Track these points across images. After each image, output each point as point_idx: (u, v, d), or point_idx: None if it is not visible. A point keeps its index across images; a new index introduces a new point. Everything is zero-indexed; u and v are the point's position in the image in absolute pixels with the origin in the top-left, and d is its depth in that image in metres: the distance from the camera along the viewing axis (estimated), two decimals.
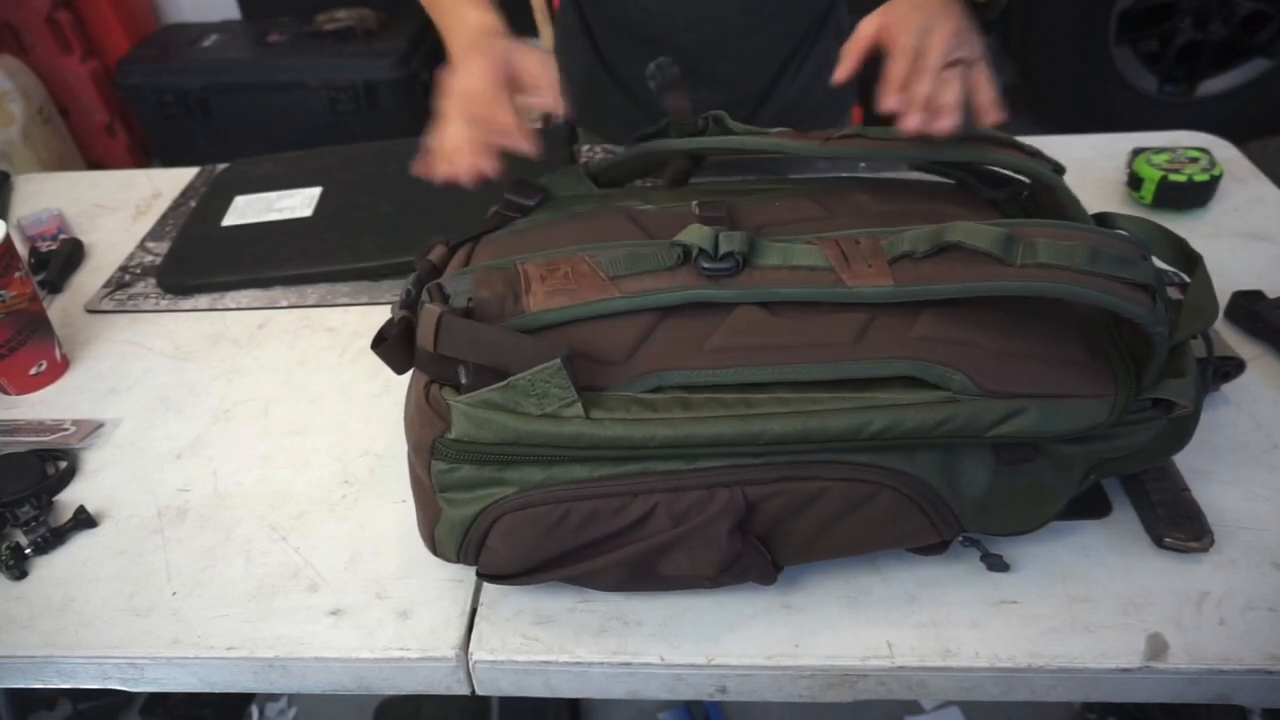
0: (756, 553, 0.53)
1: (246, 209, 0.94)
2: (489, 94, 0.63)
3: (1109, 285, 0.48)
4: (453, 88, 0.65)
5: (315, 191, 0.95)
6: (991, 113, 0.62)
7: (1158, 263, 0.55)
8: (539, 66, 0.64)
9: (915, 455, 0.51)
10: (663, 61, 0.71)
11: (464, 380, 0.50)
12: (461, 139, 0.63)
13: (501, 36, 0.67)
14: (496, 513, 0.52)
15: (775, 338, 0.52)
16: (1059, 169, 0.63)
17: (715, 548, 0.52)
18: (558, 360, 0.48)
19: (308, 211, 0.92)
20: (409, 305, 0.57)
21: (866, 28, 0.64)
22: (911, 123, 0.60)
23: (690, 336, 0.52)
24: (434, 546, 0.56)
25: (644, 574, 0.54)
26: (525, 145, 0.61)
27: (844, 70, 0.65)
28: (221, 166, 1.10)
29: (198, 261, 0.89)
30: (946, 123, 0.60)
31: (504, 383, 0.49)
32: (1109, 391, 0.50)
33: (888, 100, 0.61)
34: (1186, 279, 0.59)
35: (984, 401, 0.49)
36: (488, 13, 0.70)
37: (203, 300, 0.88)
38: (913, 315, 0.52)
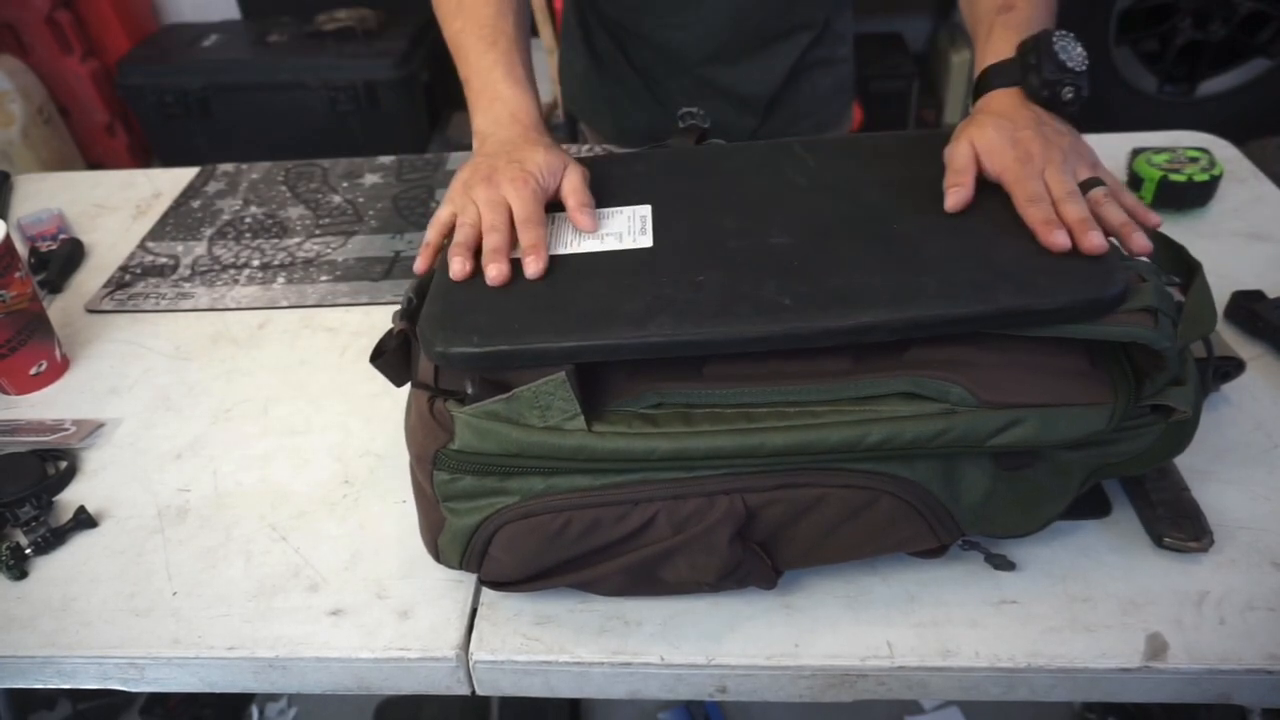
0: (757, 559, 0.53)
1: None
2: (534, 215, 0.59)
3: (1110, 316, 0.49)
4: (491, 198, 0.60)
5: (643, 210, 0.61)
6: (1149, 217, 0.56)
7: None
8: (583, 185, 0.62)
9: (914, 462, 0.51)
10: (690, 111, 0.70)
11: (470, 391, 0.50)
12: (498, 241, 0.57)
13: (538, 136, 0.65)
14: (499, 522, 0.52)
15: (774, 365, 0.52)
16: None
17: (716, 555, 0.52)
18: (561, 373, 0.48)
19: (645, 240, 0.58)
20: (409, 316, 0.57)
21: (963, 149, 0.59)
22: (1091, 242, 0.52)
23: (690, 358, 0.53)
24: (437, 555, 0.56)
25: (645, 580, 0.54)
26: (539, 267, 0.56)
27: (956, 200, 0.57)
28: (224, 167, 1.10)
29: (492, 312, 0.53)
30: (1139, 240, 0.54)
31: (508, 394, 0.49)
32: (1107, 399, 0.50)
33: (1052, 238, 0.52)
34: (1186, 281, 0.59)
35: (982, 413, 0.49)
36: (524, 92, 0.68)
37: (203, 299, 0.88)
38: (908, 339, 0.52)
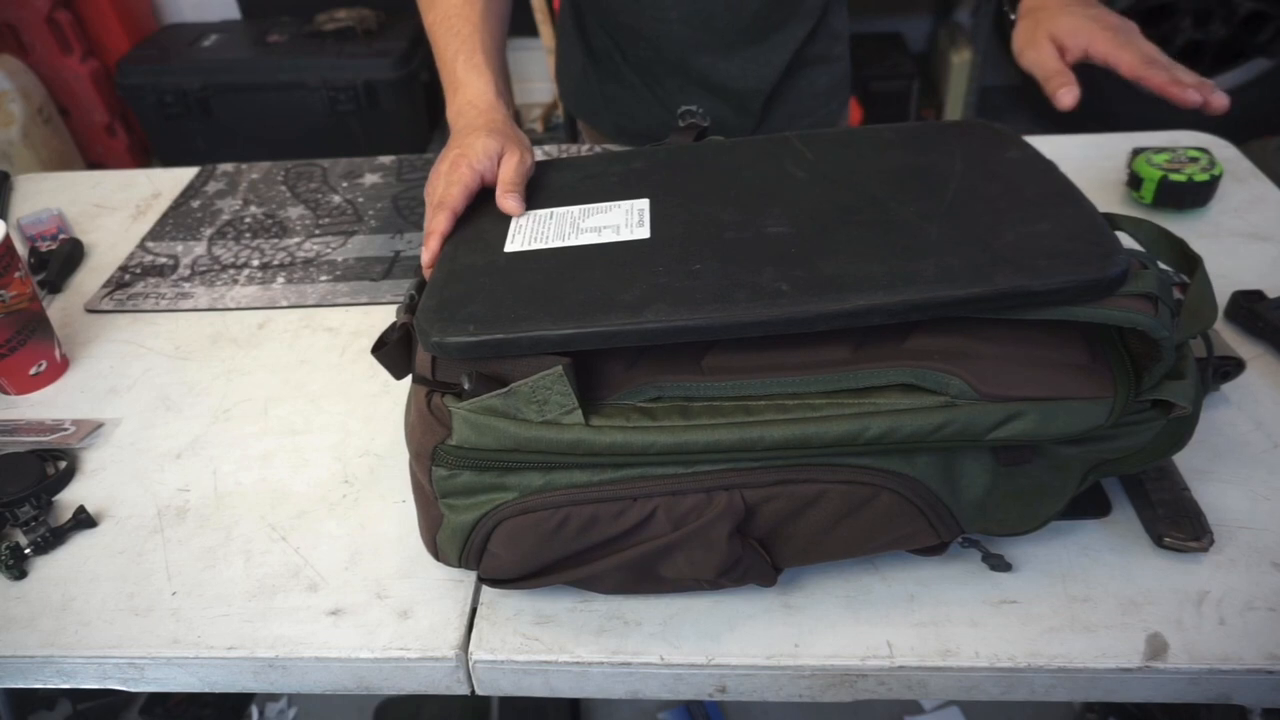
0: (756, 556, 0.53)
1: (536, 230, 0.61)
2: (446, 201, 0.63)
3: (1110, 300, 0.49)
4: (433, 185, 0.65)
5: (641, 204, 0.61)
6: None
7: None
8: (511, 169, 0.64)
9: (914, 458, 0.51)
10: (690, 110, 0.70)
11: (467, 386, 0.50)
12: (428, 226, 0.63)
13: (487, 120, 0.67)
14: (497, 518, 0.52)
15: (772, 357, 0.52)
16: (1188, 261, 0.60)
17: (715, 551, 0.52)
18: (559, 367, 0.48)
19: (642, 231, 0.58)
20: (412, 310, 0.57)
21: (1045, 49, 0.60)
22: (1219, 101, 0.56)
23: (688, 352, 0.53)
24: (436, 552, 0.56)
25: (644, 577, 0.54)
26: (427, 257, 0.61)
27: (1070, 97, 0.60)
28: (224, 167, 1.10)
29: (488, 303, 0.53)
30: (1224, 99, 0.57)
31: (505, 389, 0.49)
32: (1107, 393, 0.50)
33: (1186, 95, 0.56)
34: (1187, 279, 0.59)
35: (982, 406, 0.49)
36: (479, 76, 0.70)
37: (203, 299, 0.88)
38: (908, 327, 0.52)
